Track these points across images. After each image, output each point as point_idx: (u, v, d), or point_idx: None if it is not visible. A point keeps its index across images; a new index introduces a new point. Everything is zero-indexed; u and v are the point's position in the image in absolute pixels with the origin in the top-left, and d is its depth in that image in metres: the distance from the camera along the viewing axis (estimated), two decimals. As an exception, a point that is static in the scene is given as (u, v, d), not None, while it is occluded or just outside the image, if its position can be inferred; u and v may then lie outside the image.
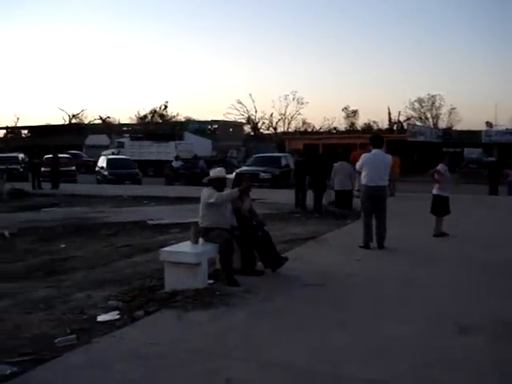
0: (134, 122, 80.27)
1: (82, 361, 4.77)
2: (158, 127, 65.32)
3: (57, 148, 32.31)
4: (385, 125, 74.13)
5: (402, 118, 73.87)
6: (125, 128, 74.83)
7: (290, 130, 78.14)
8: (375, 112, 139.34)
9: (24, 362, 4.83)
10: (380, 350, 5.04)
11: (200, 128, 67.46)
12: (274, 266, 8.07)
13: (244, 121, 78.58)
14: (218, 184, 7.86)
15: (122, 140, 48.90)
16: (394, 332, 5.56)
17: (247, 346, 5.14)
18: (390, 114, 71.15)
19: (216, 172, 8.05)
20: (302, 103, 77.07)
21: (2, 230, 13.25)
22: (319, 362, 4.76)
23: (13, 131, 79.66)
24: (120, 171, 31.18)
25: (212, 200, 7.63)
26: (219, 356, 4.86)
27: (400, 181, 22.03)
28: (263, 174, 26.96)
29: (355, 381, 4.42)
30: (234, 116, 77.07)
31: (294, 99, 76.20)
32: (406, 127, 58.26)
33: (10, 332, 5.82)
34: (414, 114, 78.71)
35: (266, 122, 79.06)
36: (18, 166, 33.08)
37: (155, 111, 79.19)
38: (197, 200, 8.05)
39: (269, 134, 77.83)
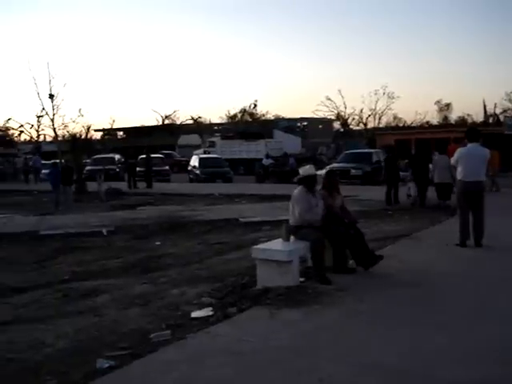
0: (225, 121, 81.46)
1: (177, 356, 4.85)
2: (247, 126, 65.91)
3: (150, 148, 33.30)
4: (480, 118, 71.18)
5: (498, 111, 70.66)
6: (216, 127, 76.09)
7: (380, 125, 76.69)
8: (469, 105, 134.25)
9: (121, 356, 4.99)
10: (477, 353, 4.81)
11: (289, 126, 67.48)
12: (366, 264, 7.91)
13: (333, 117, 77.86)
14: (309, 182, 7.79)
15: (213, 139, 49.73)
16: (492, 334, 5.30)
17: (340, 345, 5.05)
18: (485, 106, 68.14)
19: (306, 170, 7.95)
20: (393, 98, 75.34)
21: (100, 228, 13.79)
22: (413, 364, 4.59)
23: (109, 133, 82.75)
24: (212, 170, 31.72)
25: (297, 210, 7.59)
26: (311, 355, 4.80)
27: (499, 176, 21.13)
28: (354, 171, 26.66)
29: (450, 384, 4.24)
30: (324, 113, 76.50)
31: (384, 94, 74.59)
32: (502, 120, 55.71)
33: (108, 327, 6.04)
34: (510, 106, 75.14)
35: (356, 117, 77.89)
36: (115, 167, 34.35)
37: (245, 110, 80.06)
38: (287, 198, 8.04)
39: (359, 130, 76.70)
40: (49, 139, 56.60)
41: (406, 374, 4.41)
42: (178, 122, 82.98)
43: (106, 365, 4.78)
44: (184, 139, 62.92)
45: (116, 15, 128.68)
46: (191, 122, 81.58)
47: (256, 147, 43.05)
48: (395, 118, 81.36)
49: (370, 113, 76.64)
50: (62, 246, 11.95)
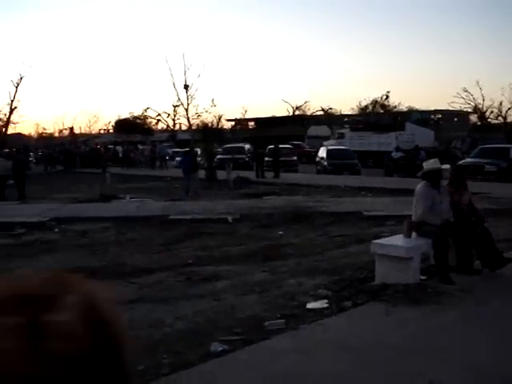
0: (356, 112, 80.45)
1: (288, 346, 4.92)
2: (378, 118, 64.75)
3: (280, 139, 33.61)
4: None
5: None
6: (346, 119, 75.40)
7: (521, 118, 72.31)
8: None
9: (235, 341, 5.12)
10: None
11: (422, 118, 65.44)
12: (493, 266, 7.51)
13: (470, 110, 74.52)
14: (433, 177, 7.54)
15: (342, 131, 49.31)
16: None
17: (455, 349, 4.86)
18: None
19: (430, 164, 7.70)
20: (536, 90, 70.85)
21: (226, 215, 14.17)
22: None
23: (240, 123, 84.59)
24: (339, 162, 31.44)
25: (420, 207, 7.37)
26: (424, 356, 4.67)
27: None
28: (488, 167, 25.36)
29: None
30: (460, 105, 73.37)
31: (526, 86, 70.31)
32: None
33: (225, 311, 6.22)
34: None
35: (495, 110, 74.05)
36: (244, 156, 35.04)
37: (376, 101, 78.55)
38: (415, 192, 7.86)
39: (497, 124, 72.88)
40: (184, 128, 58.79)
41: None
42: (309, 113, 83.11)
43: (220, 348, 4.93)
44: (313, 130, 63.00)
45: (248, 6, 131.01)
46: (321, 112, 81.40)
47: (386, 139, 42.06)
48: (538, 111, 76.30)
49: (510, 106, 72.56)
50: (188, 230, 12.41)
